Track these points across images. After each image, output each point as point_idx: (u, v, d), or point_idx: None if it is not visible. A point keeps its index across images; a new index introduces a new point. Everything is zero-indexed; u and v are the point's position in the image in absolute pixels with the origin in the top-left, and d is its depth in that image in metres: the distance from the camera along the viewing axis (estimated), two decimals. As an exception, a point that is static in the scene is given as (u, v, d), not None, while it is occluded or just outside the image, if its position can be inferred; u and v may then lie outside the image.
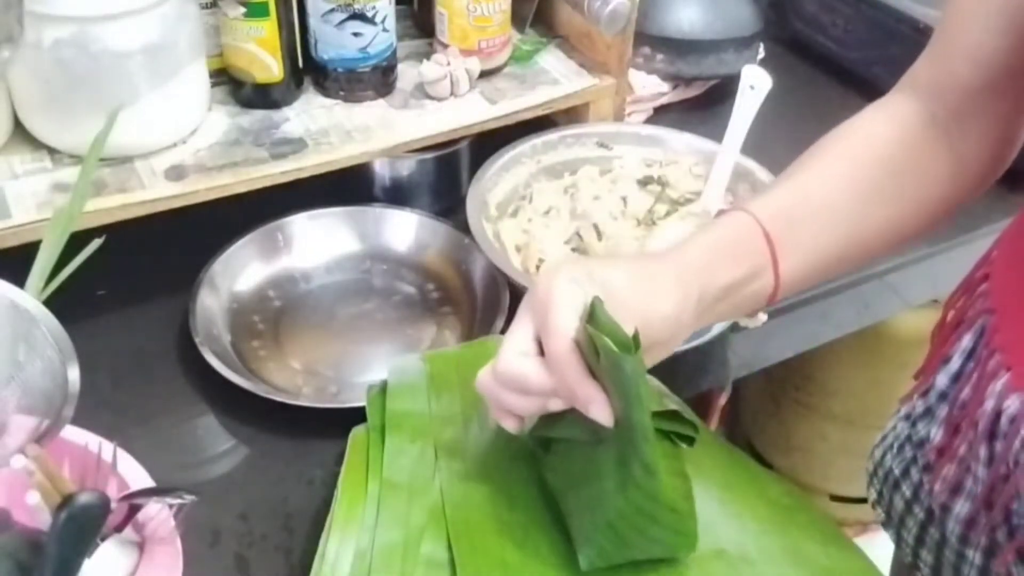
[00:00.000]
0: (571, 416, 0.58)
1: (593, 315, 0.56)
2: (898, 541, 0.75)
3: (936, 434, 0.69)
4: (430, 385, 0.72)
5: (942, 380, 0.70)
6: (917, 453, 0.72)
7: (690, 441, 0.60)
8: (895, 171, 0.67)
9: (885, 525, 0.77)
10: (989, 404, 0.63)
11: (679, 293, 0.60)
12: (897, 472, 0.74)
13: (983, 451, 0.64)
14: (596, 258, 0.72)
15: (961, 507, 0.67)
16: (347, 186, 0.96)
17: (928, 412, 0.71)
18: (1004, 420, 0.62)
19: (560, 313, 0.56)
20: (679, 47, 1.13)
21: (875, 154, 0.67)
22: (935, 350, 0.72)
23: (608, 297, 0.56)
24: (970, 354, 0.68)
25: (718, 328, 0.87)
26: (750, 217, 0.64)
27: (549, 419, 0.61)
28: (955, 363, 0.69)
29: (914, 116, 0.68)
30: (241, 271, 0.92)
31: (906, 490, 0.73)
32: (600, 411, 0.56)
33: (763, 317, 0.79)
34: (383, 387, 0.73)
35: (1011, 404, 0.61)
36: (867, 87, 1.15)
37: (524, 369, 0.58)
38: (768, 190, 0.69)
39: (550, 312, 0.56)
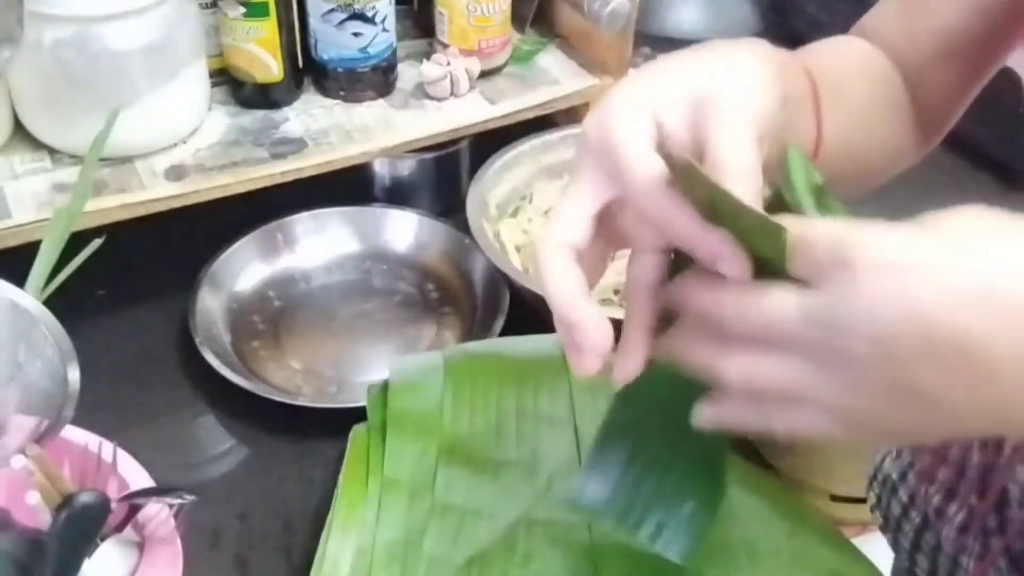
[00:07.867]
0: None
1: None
2: (895, 546, 0.75)
3: None
4: (447, 390, 0.71)
5: None
6: (915, 457, 0.72)
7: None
8: (891, 96, 0.66)
9: (883, 529, 0.76)
10: None
11: (774, 80, 0.49)
12: (895, 476, 0.74)
13: (976, 456, 0.64)
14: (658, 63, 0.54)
15: (955, 512, 0.67)
16: (347, 186, 0.96)
17: None
18: None
19: (632, 150, 0.44)
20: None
21: (881, 71, 0.66)
22: None
23: (703, 102, 0.47)
24: None
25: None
26: (797, 59, 0.58)
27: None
28: None
29: (889, 64, 0.67)
30: (241, 271, 0.92)
31: (903, 494, 0.72)
32: (734, 264, 0.42)
33: None
34: (384, 387, 0.73)
35: None
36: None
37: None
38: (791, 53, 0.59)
39: (619, 154, 0.44)
